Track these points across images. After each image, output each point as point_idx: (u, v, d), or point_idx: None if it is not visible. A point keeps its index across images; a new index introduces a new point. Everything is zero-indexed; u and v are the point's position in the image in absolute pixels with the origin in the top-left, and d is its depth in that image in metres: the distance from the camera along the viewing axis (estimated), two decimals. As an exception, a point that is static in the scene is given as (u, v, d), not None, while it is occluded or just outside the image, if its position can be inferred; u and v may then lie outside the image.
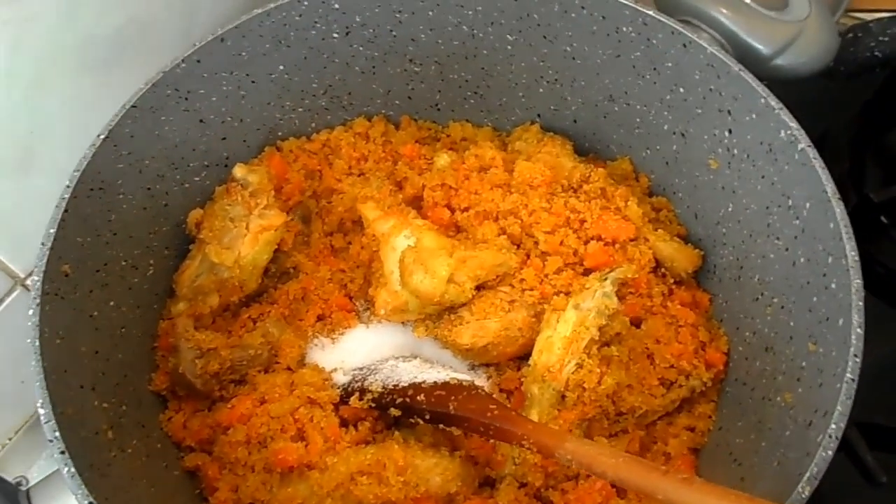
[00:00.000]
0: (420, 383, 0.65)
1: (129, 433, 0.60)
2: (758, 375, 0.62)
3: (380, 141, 0.83)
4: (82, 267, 0.61)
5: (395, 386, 0.66)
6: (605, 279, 0.65)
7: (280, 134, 0.81)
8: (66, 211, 0.59)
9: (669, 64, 0.67)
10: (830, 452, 0.46)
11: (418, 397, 0.64)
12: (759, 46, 0.69)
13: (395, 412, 0.64)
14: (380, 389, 0.66)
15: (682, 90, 0.68)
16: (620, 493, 0.61)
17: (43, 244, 0.57)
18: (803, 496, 0.45)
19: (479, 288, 0.71)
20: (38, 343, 0.52)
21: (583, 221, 0.73)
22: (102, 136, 0.63)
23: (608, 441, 0.64)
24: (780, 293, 0.61)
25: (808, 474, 0.45)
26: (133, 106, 0.64)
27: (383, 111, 0.85)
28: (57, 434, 0.48)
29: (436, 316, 0.72)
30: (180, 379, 0.67)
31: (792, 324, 0.59)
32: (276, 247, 0.73)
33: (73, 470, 0.46)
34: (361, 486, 0.60)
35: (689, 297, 0.73)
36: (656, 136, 0.74)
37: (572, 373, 0.63)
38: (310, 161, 0.81)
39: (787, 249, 0.61)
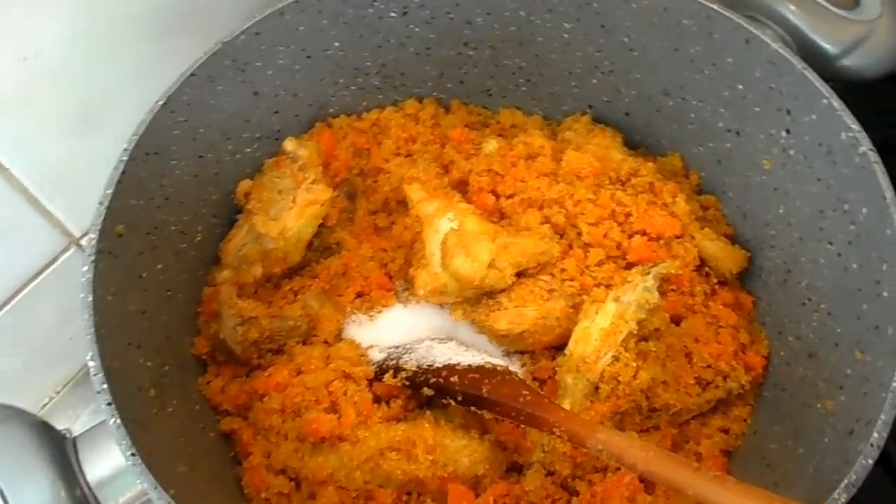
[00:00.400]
0: (454, 365, 0.66)
1: (170, 393, 0.61)
2: (799, 381, 0.61)
3: (429, 123, 0.84)
4: (135, 229, 0.62)
5: (429, 366, 0.67)
6: (648, 273, 0.64)
7: (331, 111, 0.82)
8: (123, 173, 0.60)
9: (730, 60, 0.66)
10: (871, 461, 0.45)
11: (452, 378, 0.64)
12: (826, 45, 0.67)
13: (428, 392, 0.65)
14: (414, 368, 0.67)
15: (740, 87, 0.67)
16: (648, 487, 0.61)
17: (100, 203, 0.59)
18: (839, 503, 0.44)
19: (519, 275, 0.71)
20: (90, 299, 0.54)
21: (628, 215, 0.72)
22: (161, 102, 0.64)
23: (639, 436, 0.63)
24: (829, 299, 0.60)
25: (846, 481, 0.44)
26: (192, 74, 0.66)
27: (434, 94, 0.85)
28: (105, 386, 0.50)
29: (474, 300, 0.72)
30: (221, 344, 0.69)
31: (839, 330, 0.58)
32: (321, 222, 0.74)
33: (118, 421, 0.48)
34: (390, 460, 0.60)
35: (732, 298, 0.71)
36: (710, 133, 0.73)
37: (608, 365, 0.62)
38: (359, 139, 0.81)
39: (839, 255, 0.59)
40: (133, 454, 0.47)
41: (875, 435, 0.45)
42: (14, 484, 0.46)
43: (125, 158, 0.61)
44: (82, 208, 0.76)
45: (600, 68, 0.78)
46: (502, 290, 0.71)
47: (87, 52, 0.67)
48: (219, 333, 0.68)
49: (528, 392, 0.60)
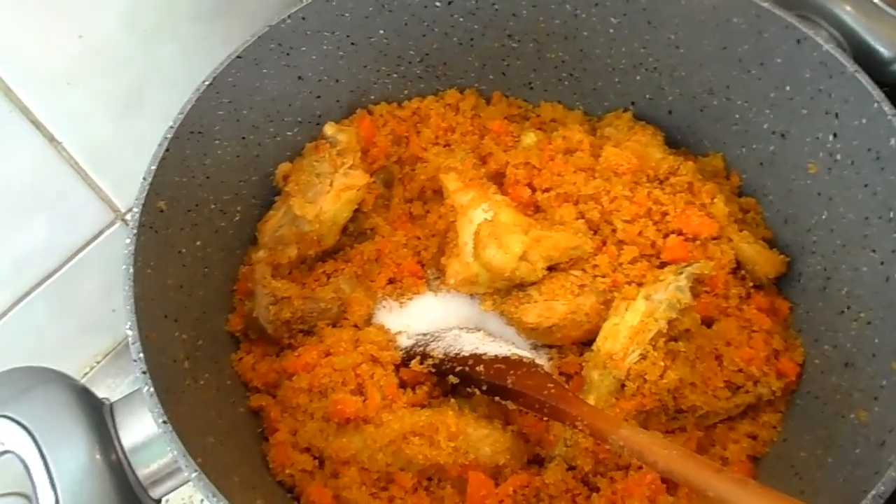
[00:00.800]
0: (481, 354, 0.66)
1: (203, 366, 0.63)
2: (832, 390, 0.60)
3: (469, 114, 0.84)
4: (176, 205, 0.64)
5: (456, 354, 0.67)
6: (681, 273, 0.64)
7: (372, 97, 0.83)
8: (167, 150, 0.62)
9: (779, 60, 0.65)
10: (901, 476, 0.44)
11: (478, 367, 0.64)
12: (881, 48, 0.65)
13: (454, 380, 0.65)
14: (441, 356, 0.67)
15: (788, 88, 0.65)
16: (670, 488, 0.60)
17: (144, 179, 0.60)
18: (865, 514, 0.43)
19: (550, 269, 0.71)
20: (131, 271, 0.55)
21: (665, 214, 0.72)
22: (207, 83, 0.66)
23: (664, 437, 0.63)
24: (869, 308, 0.59)
25: (874, 492, 0.43)
26: (238, 56, 0.67)
27: (476, 85, 0.85)
28: (141, 355, 0.51)
29: (504, 292, 0.72)
30: (254, 322, 0.70)
31: (877, 340, 0.56)
32: (357, 207, 0.75)
33: (152, 389, 0.50)
34: (413, 445, 0.61)
35: (768, 304, 0.70)
36: (754, 134, 0.72)
37: (635, 363, 0.62)
38: (398, 127, 0.82)
39: (882, 263, 0.58)
40: (164, 421, 0.48)
41: (906, 449, 0.44)
42: (53, 444, 0.48)
43: (170, 136, 0.63)
44: (128, 184, 0.78)
45: (645, 65, 0.77)
46: (533, 283, 0.71)
47: (138, 33, 0.69)
48: (252, 311, 0.70)
49: (552, 385, 0.61)
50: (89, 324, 0.86)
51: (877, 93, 0.57)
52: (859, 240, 0.61)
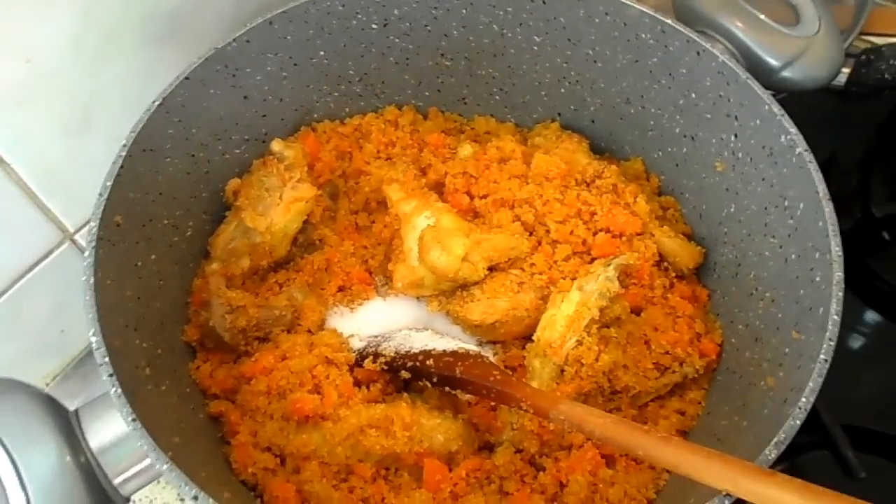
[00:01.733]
0: (430, 350, 0.70)
1: (163, 374, 0.65)
2: (746, 364, 0.67)
3: (408, 129, 0.89)
4: (131, 220, 0.66)
5: (406, 351, 0.71)
6: (609, 265, 0.70)
7: (315, 116, 0.87)
8: (121, 167, 0.64)
9: (683, 70, 0.72)
10: (798, 422, 0.50)
11: (428, 362, 0.69)
12: (769, 58, 0.73)
13: (406, 374, 0.70)
14: (392, 354, 0.71)
15: (693, 95, 0.73)
16: (609, 462, 0.66)
17: (100, 195, 0.63)
18: (769, 458, 0.49)
19: (491, 269, 0.76)
20: (92, 281, 0.57)
21: (593, 214, 0.78)
22: (157, 102, 0.68)
23: (601, 415, 0.68)
24: (773, 288, 0.66)
25: (775, 439, 0.50)
26: (186, 78, 0.70)
27: (413, 101, 0.90)
28: (107, 359, 0.53)
29: (449, 293, 0.77)
30: (210, 332, 0.73)
31: (780, 315, 0.63)
32: (306, 218, 0.78)
33: (119, 391, 0.52)
34: (370, 437, 0.65)
35: (689, 292, 0.77)
36: (668, 138, 0.79)
37: (572, 349, 0.67)
38: (341, 143, 0.86)
39: (781, 247, 0.65)
40: (134, 419, 0.51)
41: (803, 399, 0.51)
42: (22, 450, 0.50)
43: (123, 154, 0.65)
44: (77, 204, 0.80)
45: (567, 79, 0.84)
46: (475, 283, 0.76)
47: (85, 56, 0.71)
48: (208, 321, 0.72)
49: (497, 372, 0.65)
50: (37, 346, 0.86)
51: (766, 96, 0.65)
52: (761, 228, 0.68)
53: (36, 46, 0.67)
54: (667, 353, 0.71)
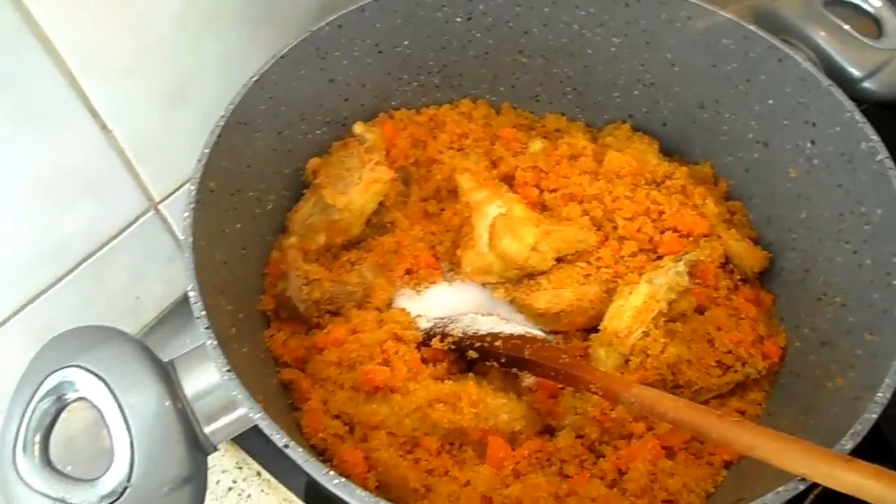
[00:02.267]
0: (498, 333, 0.73)
1: (244, 337, 0.68)
2: (812, 366, 0.67)
3: (481, 122, 0.91)
4: (223, 188, 0.70)
5: (474, 333, 0.73)
6: (679, 260, 0.71)
7: (393, 103, 0.90)
8: (219, 136, 0.68)
9: (763, 77, 0.73)
10: (874, 416, 0.51)
11: (496, 343, 0.71)
12: (850, 69, 0.74)
13: (473, 354, 0.72)
14: (460, 334, 0.73)
15: (770, 101, 0.74)
16: (669, 454, 0.67)
17: (199, 161, 0.66)
18: (845, 448, 0.50)
19: (558, 260, 0.78)
20: (191, 240, 0.61)
21: (661, 213, 0.79)
22: (254, 78, 0.72)
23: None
24: (844, 292, 0.67)
25: (851, 430, 0.50)
26: (282, 56, 0.74)
27: (487, 96, 0.93)
28: (203, 312, 0.56)
29: (515, 281, 0.79)
30: (286, 302, 0.76)
31: (851, 319, 0.64)
32: (381, 200, 0.81)
33: (215, 342, 0.55)
34: (438, 410, 0.67)
35: (753, 295, 0.78)
36: (740, 143, 0.80)
37: (638, 339, 0.69)
38: (417, 131, 0.89)
39: (855, 252, 0.66)
40: (229, 370, 0.54)
41: (879, 395, 0.51)
42: (125, 392, 0.53)
43: (221, 124, 0.69)
44: (164, 175, 0.84)
45: (643, 81, 0.85)
46: (542, 273, 0.78)
47: (189, 32, 0.75)
48: (285, 291, 0.75)
49: (566, 356, 0.67)
50: (113, 311, 0.90)
51: (848, 103, 0.66)
52: (834, 234, 0.69)
53: (145, 20, 0.71)
54: (730, 352, 0.72)
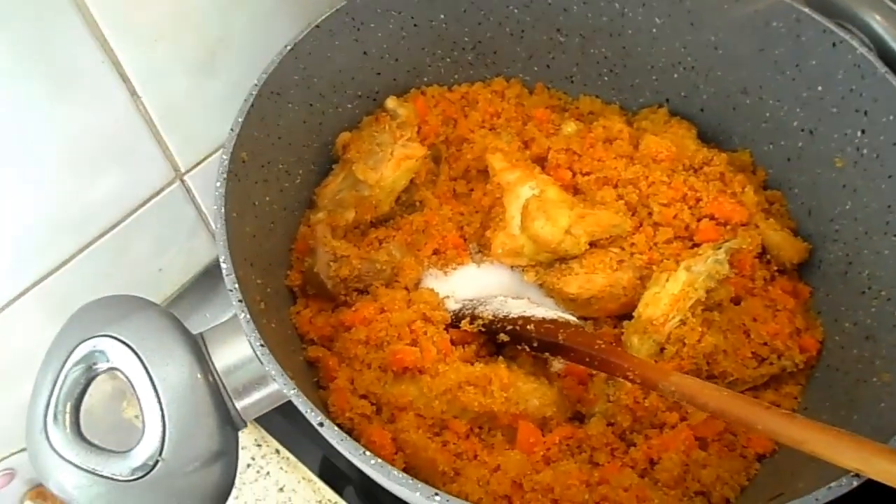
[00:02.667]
0: (529, 316, 0.71)
1: (272, 313, 0.67)
2: (854, 361, 0.66)
3: (514, 101, 0.89)
4: (254, 159, 0.68)
5: (505, 316, 0.72)
6: (720, 248, 0.69)
7: (426, 79, 0.88)
8: (252, 105, 0.66)
9: (813, 62, 0.71)
10: (933, 414, 0.49)
11: (528, 327, 0.69)
12: (907, 56, 0.72)
13: (504, 337, 0.70)
14: (490, 317, 0.72)
15: (819, 88, 0.72)
16: (703, 445, 0.65)
17: (232, 130, 0.64)
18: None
19: (591, 244, 0.76)
20: (223, 210, 0.59)
21: (699, 200, 0.77)
22: (289, 47, 0.70)
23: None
24: (890, 286, 0.65)
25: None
26: (317, 26, 0.72)
27: (521, 75, 0.91)
28: (236, 285, 0.55)
29: (546, 264, 0.78)
30: (313, 278, 0.74)
31: (897, 313, 0.62)
32: (412, 177, 0.80)
33: (248, 316, 0.53)
34: (468, 393, 0.65)
35: (790, 287, 0.76)
36: (783, 131, 0.78)
37: (675, 328, 0.67)
38: (448, 108, 0.87)
39: (904, 246, 0.64)
40: (262, 344, 0.52)
41: (936, 392, 0.50)
42: (156, 362, 0.52)
43: (254, 92, 0.67)
44: (191, 145, 0.83)
45: (683, 63, 0.83)
46: (574, 257, 0.76)
47: (221, 1, 0.74)
48: (312, 267, 0.74)
49: (601, 342, 0.66)
50: (135, 282, 0.89)
51: (905, 92, 0.64)
52: (882, 226, 0.67)
53: (180, -19, 0.70)
54: (766, 344, 0.70)
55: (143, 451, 0.49)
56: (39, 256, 0.74)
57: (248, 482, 0.85)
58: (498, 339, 0.71)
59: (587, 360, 0.65)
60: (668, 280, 0.70)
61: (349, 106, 0.82)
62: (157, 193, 0.83)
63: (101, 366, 0.52)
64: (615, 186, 0.80)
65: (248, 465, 0.85)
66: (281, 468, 0.85)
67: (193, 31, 0.73)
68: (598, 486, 0.62)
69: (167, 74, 0.74)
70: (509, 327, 0.70)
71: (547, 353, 0.68)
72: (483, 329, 0.71)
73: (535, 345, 0.69)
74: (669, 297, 0.68)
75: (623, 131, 0.83)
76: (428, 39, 0.84)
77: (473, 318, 0.72)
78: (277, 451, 0.85)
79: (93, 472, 0.48)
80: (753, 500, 0.60)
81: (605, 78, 0.89)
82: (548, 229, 0.74)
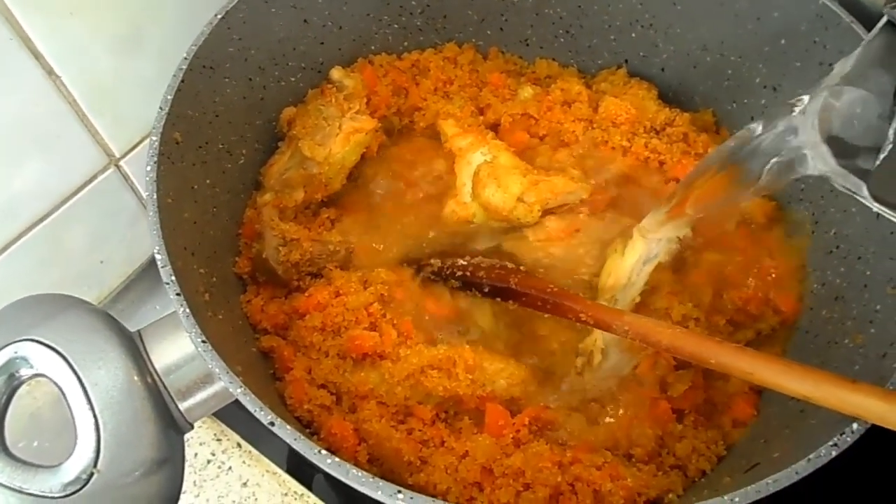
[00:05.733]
0: (479, 263, 0.69)
1: (219, 303, 0.62)
2: (823, 323, 0.64)
3: (467, 68, 0.85)
4: (189, 139, 0.63)
5: (453, 262, 0.70)
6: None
7: (373, 48, 0.83)
8: (182, 81, 0.61)
9: (776, 14, 0.68)
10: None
11: (478, 273, 0.68)
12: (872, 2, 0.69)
13: (454, 284, 0.68)
14: (439, 264, 0.70)
15: (782, 42, 0.69)
16: (679, 417, 0.63)
17: (161, 108, 0.59)
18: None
19: (545, 213, 0.73)
20: (155, 196, 0.54)
21: (662, 163, 0.75)
22: (219, 16, 0.65)
23: (673, 373, 0.65)
24: (858, 245, 0.63)
25: (888, 385, 0.47)
26: (249, -8, 0.66)
27: (473, 40, 0.87)
28: (173, 278, 0.51)
29: (499, 232, 0.74)
30: (263, 264, 0.70)
31: (868, 273, 0.61)
32: (363, 152, 0.75)
33: (187, 310, 0.49)
34: (432, 378, 0.62)
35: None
36: (746, 89, 0.75)
37: (637, 296, 0.65)
38: (399, 78, 0.83)
39: (871, 202, 0.62)
40: (203, 340, 0.48)
41: (913, 352, 0.48)
42: (88, 367, 0.47)
43: (184, 67, 0.62)
44: (124, 128, 0.77)
45: (641, 21, 0.79)
46: (527, 225, 0.73)
47: (142, -34, 0.68)
48: (261, 253, 0.70)
49: (553, 286, 0.63)
50: (76, 275, 0.84)
51: (871, 42, 0.61)
52: (849, 183, 0.65)
53: (92, -49, 0.64)
54: (740, 309, 0.68)
55: (75, 464, 0.45)
56: (-40, 254, 0.68)
57: (209, 479, 0.81)
58: (448, 285, 0.68)
59: (539, 304, 0.63)
60: (626, 249, 0.67)
61: (292, 79, 0.77)
62: (91, 181, 0.77)
63: (25, 373, 0.47)
64: (573, 151, 0.77)
65: (209, 461, 0.81)
66: (244, 462, 0.81)
67: (112, 3, 0.67)
68: (571, 466, 0.60)
69: (88, 52, 0.68)
70: (459, 273, 0.68)
71: (498, 298, 0.66)
72: (433, 276, 0.69)
73: (487, 290, 0.67)
74: (628, 266, 0.66)
75: (582, 93, 0.80)
76: (373, 4, 0.79)
77: (421, 267, 0.70)
78: (239, 445, 0.81)
79: (19, 491, 0.43)
80: (730, 472, 0.58)
81: (562, 39, 0.85)
82: (499, 196, 0.71)
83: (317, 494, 0.78)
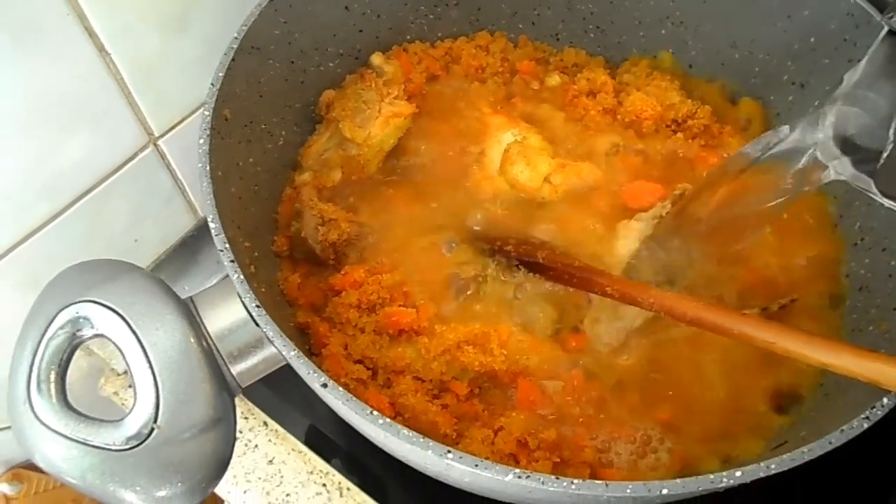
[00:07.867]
0: (507, 236, 0.71)
1: (261, 277, 0.64)
2: (848, 312, 0.66)
3: (498, 56, 0.87)
4: (237, 117, 0.65)
5: (484, 235, 0.72)
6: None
7: (408, 37, 0.85)
8: (232, 59, 0.63)
9: (806, 12, 0.70)
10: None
11: (506, 247, 0.70)
12: None
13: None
14: (470, 235, 0.72)
15: (812, 40, 0.71)
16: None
17: (212, 84, 0.61)
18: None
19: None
20: (208, 168, 0.56)
21: (682, 157, 0.77)
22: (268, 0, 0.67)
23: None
24: (883, 237, 0.65)
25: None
26: (296, -23, 0.68)
27: (505, 32, 0.88)
28: (227, 245, 0.52)
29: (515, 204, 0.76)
30: (300, 243, 0.71)
31: (893, 263, 0.63)
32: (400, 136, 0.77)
33: (241, 276, 0.51)
34: (468, 353, 0.64)
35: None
36: (773, 86, 0.77)
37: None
38: (432, 65, 0.85)
39: (897, 195, 0.64)
40: (258, 305, 0.50)
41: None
42: (146, 328, 0.49)
43: (235, 46, 0.64)
44: (164, 108, 0.79)
45: (671, 19, 0.82)
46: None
47: (196, -52, 0.70)
48: (300, 232, 0.71)
49: (580, 261, 0.66)
50: (111, 253, 0.84)
51: (901, 40, 0.63)
52: (874, 177, 0.67)
53: (149, -68, 0.66)
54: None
55: (136, 419, 0.46)
56: (8, 224, 0.70)
57: (236, 456, 0.81)
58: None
59: (566, 277, 0.65)
60: (624, 230, 0.70)
61: (331, 64, 0.79)
62: (131, 159, 0.79)
63: (87, 332, 0.49)
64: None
65: (236, 439, 0.82)
66: (270, 440, 0.82)
67: (166, -16, 0.69)
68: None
69: (137, 30, 0.70)
70: (487, 246, 0.70)
71: (527, 271, 0.68)
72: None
73: (515, 265, 0.68)
74: (627, 250, 0.68)
75: (607, 84, 0.82)
76: (412, -6, 0.81)
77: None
78: (265, 424, 0.83)
79: (83, 443, 0.45)
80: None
81: (592, 35, 0.87)
82: (527, 174, 0.74)
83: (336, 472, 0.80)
